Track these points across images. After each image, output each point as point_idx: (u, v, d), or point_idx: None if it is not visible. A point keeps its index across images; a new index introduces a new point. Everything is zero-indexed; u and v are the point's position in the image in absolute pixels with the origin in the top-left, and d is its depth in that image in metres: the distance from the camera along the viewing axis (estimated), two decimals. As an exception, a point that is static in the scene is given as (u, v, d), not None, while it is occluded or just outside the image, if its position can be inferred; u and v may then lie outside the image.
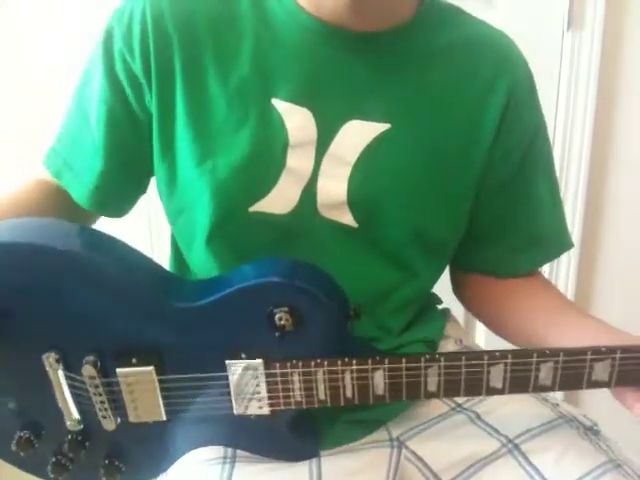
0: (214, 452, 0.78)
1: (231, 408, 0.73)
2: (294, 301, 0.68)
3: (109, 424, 0.74)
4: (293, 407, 0.73)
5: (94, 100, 0.80)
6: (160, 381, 0.71)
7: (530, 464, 0.74)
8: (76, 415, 0.74)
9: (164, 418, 0.74)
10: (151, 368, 0.70)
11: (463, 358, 0.70)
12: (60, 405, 0.73)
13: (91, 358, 0.70)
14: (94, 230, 0.74)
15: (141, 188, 0.86)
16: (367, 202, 0.77)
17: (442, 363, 0.70)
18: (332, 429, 0.79)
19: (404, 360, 0.70)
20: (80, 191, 0.83)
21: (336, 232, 0.78)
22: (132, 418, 0.74)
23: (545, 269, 0.93)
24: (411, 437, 0.80)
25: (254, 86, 0.76)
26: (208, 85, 0.76)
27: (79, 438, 0.76)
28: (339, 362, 0.70)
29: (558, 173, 0.91)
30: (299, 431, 0.76)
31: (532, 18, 1.25)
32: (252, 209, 0.76)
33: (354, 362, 0.70)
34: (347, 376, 0.71)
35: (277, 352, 0.70)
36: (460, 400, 0.83)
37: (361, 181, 0.76)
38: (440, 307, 0.96)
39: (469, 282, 0.92)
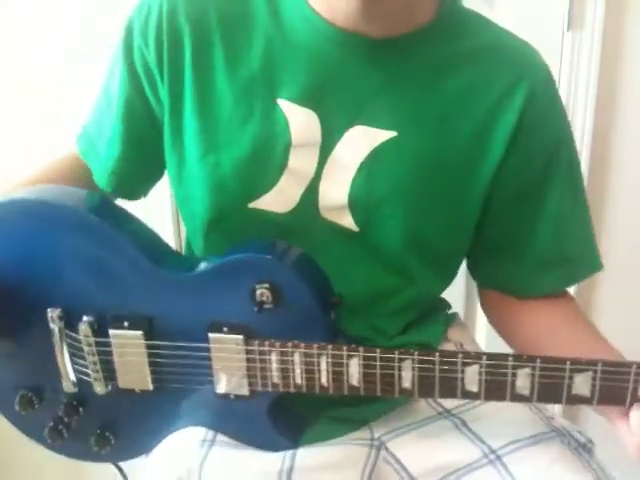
0: (195, 435, 0.79)
1: (212, 385, 0.75)
2: (276, 278, 0.71)
3: (100, 387, 0.78)
4: (270, 389, 0.74)
5: (115, 90, 0.85)
6: (148, 346, 0.75)
7: (510, 474, 0.72)
8: (72, 377, 0.79)
9: (150, 387, 0.77)
10: (140, 333, 0.75)
11: (437, 355, 0.70)
12: (58, 364, 0.78)
13: (89, 318, 0.76)
14: (104, 197, 0.80)
15: (156, 175, 0.90)
16: (368, 207, 0.78)
17: (416, 357, 0.70)
18: (314, 425, 0.79)
19: (378, 350, 0.70)
20: (100, 174, 0.89)
21: (336, 234, 0.79)
22: (121, 383, 0.78)
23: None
24: (392, 438, 0.79)
25: (261, 84, 0.77)
26: (216, 80, 0.78)
27: (74, 403, 0.81)
28: (315, 346, 0.72)
29: None
30: (279, 421, 0.78)
31: (532, 18, 1.24)
32: (251, 205, 0.78)
33: (330, 347, 0.71)
34: (323, 361, 0.72)
35: (257, 330, 0.73)
36: (449, 405, 0.81)
37: (363, 186, 0.77)
38: (450, 312, 0.95)
39: (491, 298, 0.91)
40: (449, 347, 0.90)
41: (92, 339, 0.76)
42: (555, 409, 1.41)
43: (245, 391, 0.75)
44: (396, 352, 0.70)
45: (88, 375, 0.78)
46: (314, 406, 0.79)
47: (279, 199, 0.78)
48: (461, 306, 0.95)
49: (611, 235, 1.45)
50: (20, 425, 0.85)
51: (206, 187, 0.79)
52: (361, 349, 0.71)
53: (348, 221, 0.79)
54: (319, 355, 0.72)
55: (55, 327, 0.76)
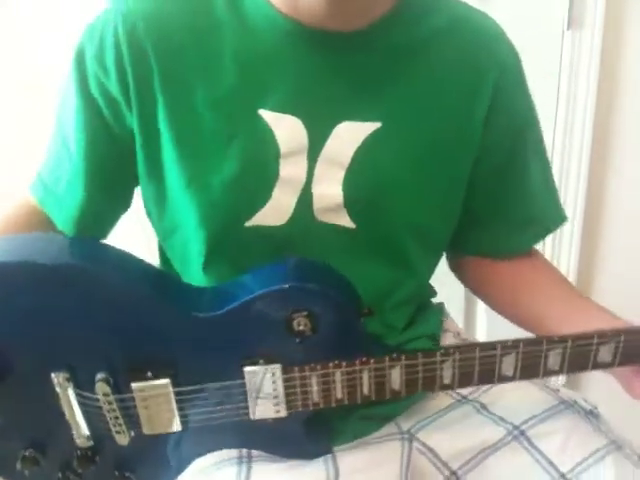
0: (228, 453, 0.78)
1: (248, 413, 0.72)
2: (311, 304, 0.67)
3: (123, 439, 0.73)
4: (310, 408, 0.73)
5: (70, 123, 0.77)
6: (176, 393, 0.70)
7: (536, 449, 0.76)
8: (86, 432, 0.72)
9: (179, 429, 0.73)
10: (167, 381, 0.69)
11: (477, 350, 0.71)
12: (70, 423, 0.71)
13: (103, 375, 0.69)
14: (95, 241, 0.71)
15: (123, 209, 0.85)
16: (363, 202, 0.77)
17: (457, 356, 0.71)
18: (345, 426, 0.79)
19: (420, 355, 0.71)
20: (64, 219, 0.81)
21: (334, 235, 0.78)
22: (146, 430, 0.72)
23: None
24: (420, 429, 0.82)
25: (240, 99, 0.74)
26: (192, 101, 0.73)
27: (89, 453, 0.75)
28: (357, 362, 0.70)
29: (558, 173, 0.92)
30: (313, 430, 0.77)
31: (532, 17, 1.25)
32: (248, 224, 0.75)
33: (372, 361, 0.70)
34: (365, 375, 0.71)
35: (295, 356, 0.70)
36: (464, 392, 0.85)
37: (356, 182, 0.76)
38: (435, 301, 0.97)
39: (468, 265, 0.93)
40: (449, 338, 0.93)
41: (112, 397, 0.69)
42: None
43: (283, 413, 0.73)
44: (437, 354, 0.71)
45: (107, 429, 0.72)
46: (343, 410, 0.78)
47: (275, 212, 0.75)
48: (461, 306, 0.96)
49: (612, 235, 1.51)
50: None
51: (198, 214, 0.75)
52: (403, 357, 0.70)
53: (345, 220, 0.77)
54: (361, 370, 0.71)
55: (62, 391, 0.69)
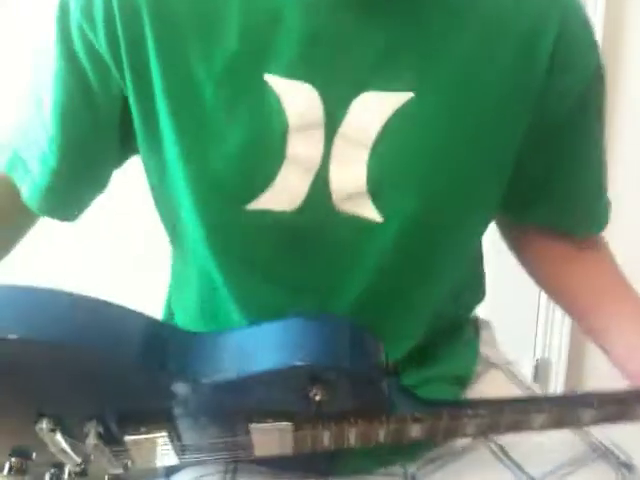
0: (213, 467, 0.74)
1: (251, 456, 0.67)
2: (329, 377, 0.59)
3: (116, 470, 0.68)
4: (319, 450, 0.67)
5: (47, 85, 0.66)
6: (176, 447, 0.64)
7: None
8: (77, 460, 0.67)
9: (176, 463, 0.67)
10: (164, 434, 0.62)
11: (506, 409, 0.65)
12: (61, 458, 0.65)
13: (93, 426, 0.61)
14: (85, 299, 0.59)
15: (97, 189, 0.74)
16: (392, 190, 0.65)
17: (485, 420, 0.65)
18: (346, 457, 0.73)
19: (445, 415, 0.64)
20: (31, 192, 0.71)
21: (357, 230, 0.66)
22: (140, 466, 0.67)
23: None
24: (426, 475, 0.75)
25: (244, 62, 0.62)
26: (190, 65, 0.62)
27: (80, 471, 0.70)
28: (375, 422, 0.64)
29: None
30: (315, 456, 0.72)
31: None
32: (250, 207, 0.65)
33: (392, 419, 0.64)
34: (382, 431, 0.65)
35: (308, 416, 0.63)
36: None
37: (383, 165, 0.64)
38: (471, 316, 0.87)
39: (527, 240, 0.84)
40: (487, 378, 0.83)
41: (103, 447, 0.63)
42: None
43: (289, 452, 0.68)
44: (464, 416, 0.64)
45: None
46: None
47: (282, 195, 0.64)
48: None
49: (612, 236, 1.40)
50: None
51: (196, 193, 0.65)
52: (426, 418, 0.64)
53: (369, 211, 0.66)
54: (379, 428, 0.64)
55: (49, 436, 0.62)
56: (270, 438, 0.65)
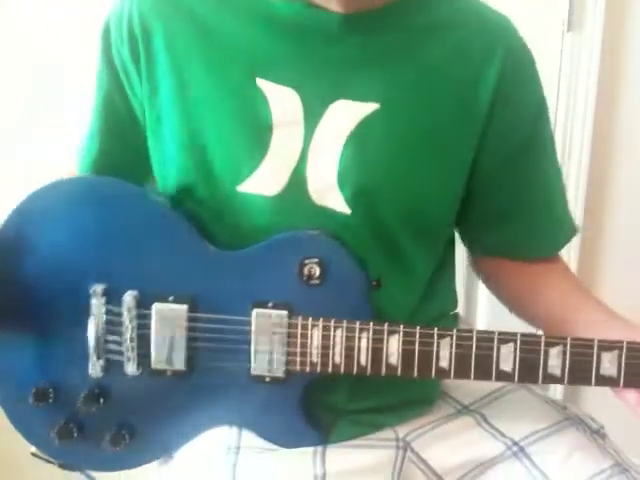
0: (218, 442, 0.79)
1: (248, 366, 0.76)
2: (325, 254, 0.75)
3: (131, 367, 0.77)
4: (308, 369, 0.75)
5: (95, 88, 0.86)
6: (190, 319, 0.76)
7: (535, 466, 0.74)
8: (102, 361, 0.78)
9: (183, 367, 0.77)
10: (185, 307, 0.76)
11: (474, 333, 0.73)
12: (90, 343, 0.78)
13: (133, 292, 0.77)
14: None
15: (142, 170, 0.87)
16: (358, 185, 0.77)
17: (454, 334, 0.73)
18: (338, 423, 0.79)
19: (418, 327, 0.74)
20: (82, 169, 0.90)
21: (330, 220, 0.77)
22: (155, 363, 0.77)
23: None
24: (416, 438, 0.79)
25: (239, 65, 0.77)
26: (191, 63, 0.78)
27: (96, 391, 0.79)
28: (357, 323, 0.74)
29: None
30: (309, 412, 0.77)
31: (532, 20, 1.16)
32: (240, 189, 0.77)
33: (371, 324, 0.74)
34: (363, 339, 0.74)
35: (301, 307, 0.75)
36: (466, 402, 0.83)
37: (350, 163, 0.76)
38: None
39: (488, 265, 0.91)
40: None
41: (135, 312, 0.76)
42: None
43: (281, 372, 0.76)
44: (435, 329, 0.74)
45: (121, 354, 0.78)
46: (338, 406, 0.80)
47: (266, 181, 0.77)
48: (461, 306, 0.95)
49: (612, 236, 1.50)
50: (22, 423, 0.82)
51: (195, 173, 0.79)
52: (401, 326, 0.74)
53: (340, 204, 0.77)
54: (360, 332, 0.74)
55: (97, 302, 0.77)
56: (266, 341, 0.75)
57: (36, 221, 0.79)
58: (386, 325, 0.74)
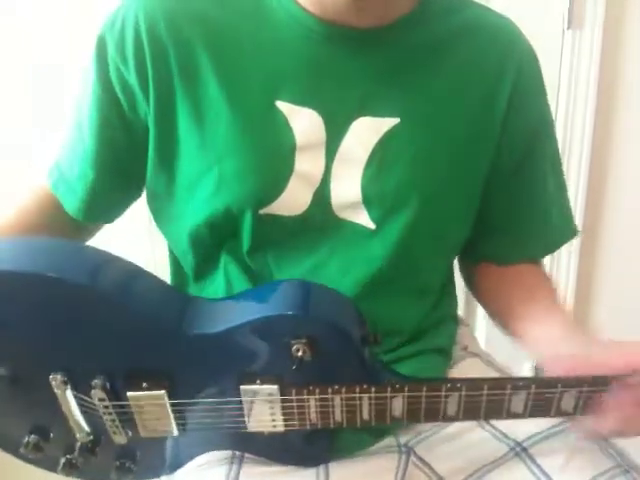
0: (221, 453, 0.77)
1: (245, 427, 0.71)
2: (312, 332, 0.65)
3: (120, 438, 0.73)
4: (308, 427, 0.71)
5: (86, 108, 0.77)
6: (172, 404, 0.69)
7: (538, 467, 0.74)
8: (86, 428, 0.73)
9: (175, 433, 0.72)
10: (162, 392, 0.68)
11: (485, 387, 0.68)
12: (70, 422, 0.72)
13: (99, 381, 0.68)
14: (96, 251, 0.68)
15: (135, 195, 0.84)
16: (382, 201, 0.75)
17: (463, 393, 0.68)
18: (339, 442, 0.77)
19: (425, 388, 0.68)
20: (71, 200, 0.81)
21: (352, 233, 0.76)
22: (143, 434, 0.72)
23: (546, 263, 0.92)
24: (418, 442, 0.80)
25: (257, 89, 0.73)
26: (209, 92, 0.73)
27: (89, 446, 0.75)
28: (357, 389, 0.68)
29: None
30: (312, 439, 0.76)
31: (532, 16, 1.21)
32: (262, 212, 0.74)
33: (373, 390, 0.68)
34: (365, 401, 0.69)
35: (293, 379, 0.68)
36: None
37: (375, 179, 0.74)
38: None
39: (477, 271, 0.90)
40: (456, 351, 0.89)
41: (108, 402, 0.69)
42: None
43: (280, 428, 0.72)
44: (443, 388, 0.68)
45: (104, 429, 0.72)
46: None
47: (289, 203, 0.74)
48: (461, 306, 0.94)
49: (612, 236, 1.49)
50: (30, 462, 0.79)
51: (213, 202, 0.74)
52: (406, 388, 0.68)
53: (364, 219, 0.75)
54: (361, 397, 0.68)
55: (60, 392, 0.68)
56: (260, 409, 0.69)
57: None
58: (389, 390, 0.68)
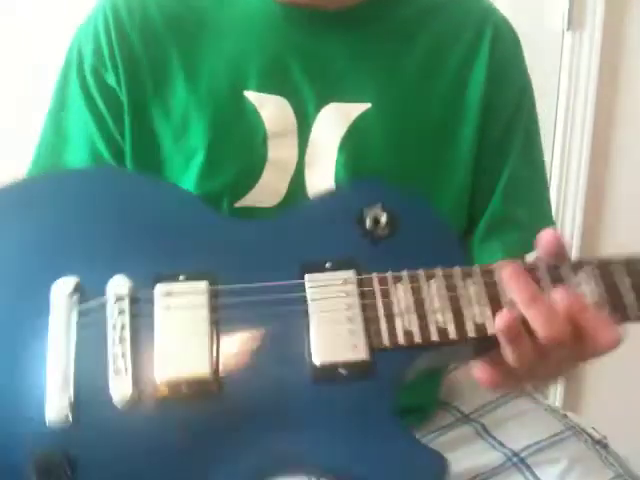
0: None
1: (310, 354, 0.49)
2: (388, 200, 0.56)
3: (122, 391, 0.47)
4: (404, 342, 0.49)
5: (70, 120, 0.76)
6: (212, 308, 0.51)
7: (536, 477, 0.69)
8: (71, 387, 0.48)
9: (207, 370, 0.48)
10: (204, 283, 0.51)
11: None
12: (49, 366, 0.49)
13: (120, 275, 0.52)
14: None
15: None
16: None
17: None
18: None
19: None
20: None
21: None
22: (159, 372, 0.48)
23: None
24: None
25: (225, 81, 0.72)
26: (176, 88, 0.72)
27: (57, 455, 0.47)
28: (459, 269, 0.52)
29: (558, 173, 0.94)
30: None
31: (532, 18, 1.26)
32: (238, 204, 0.70)
33: (478, 269, 0.52)
34: (471, 287, 0.51)
35: (369, 263, 0.53)
36: (467, 410, 0.77)
37: (347, 166, 0.71)
38: None
39: None
40: None
41: (126, 301, 0.50)
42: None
43: (363, 354, 0.49)
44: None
45: (104, 376, 0.48)
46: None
47: (265, 194, 0.71)
48: None
49: (612, 236, 1.48)
50: None
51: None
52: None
53: None
54: (464, 279, 0.52)
55: (65, 301, 0.51)
56: (331, 305, 0.51)
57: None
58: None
